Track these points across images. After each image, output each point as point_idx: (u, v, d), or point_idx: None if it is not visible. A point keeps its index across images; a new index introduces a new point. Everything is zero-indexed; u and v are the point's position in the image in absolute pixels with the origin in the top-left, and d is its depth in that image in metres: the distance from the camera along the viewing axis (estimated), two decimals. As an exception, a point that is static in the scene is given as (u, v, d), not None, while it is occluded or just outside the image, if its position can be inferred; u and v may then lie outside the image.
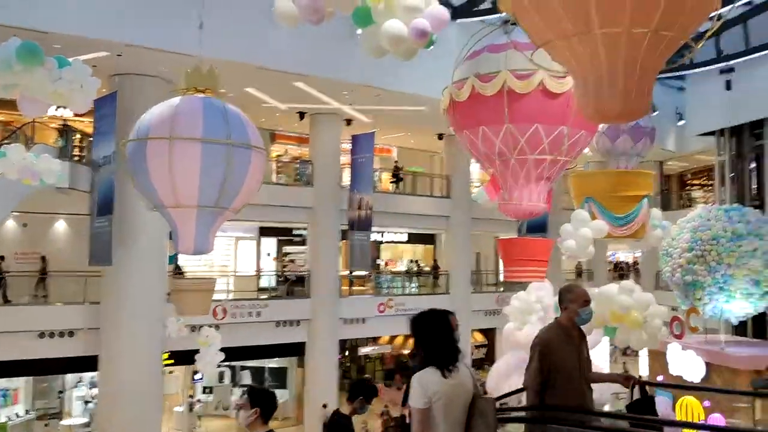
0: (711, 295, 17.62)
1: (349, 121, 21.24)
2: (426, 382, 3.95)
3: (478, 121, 10.74)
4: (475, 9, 18.62)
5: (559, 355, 4.86)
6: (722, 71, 20.74)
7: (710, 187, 29.36)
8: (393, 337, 25.74)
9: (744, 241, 17.22)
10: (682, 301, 18.33)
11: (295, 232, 23.91)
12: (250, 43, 15.41)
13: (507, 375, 13.43)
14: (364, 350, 24.61)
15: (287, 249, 24.69)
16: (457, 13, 18.86)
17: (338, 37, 16.82)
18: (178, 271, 18.35)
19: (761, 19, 19.20)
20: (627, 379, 5.24)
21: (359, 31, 17.04)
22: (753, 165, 21.88)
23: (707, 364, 17.42)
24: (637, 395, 4.98)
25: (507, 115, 10.28)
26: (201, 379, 20.61)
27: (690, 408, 18.20)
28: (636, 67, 6.33)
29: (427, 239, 28.08)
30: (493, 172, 11.17)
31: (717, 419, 16.99)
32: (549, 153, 10.73)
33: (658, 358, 20.90)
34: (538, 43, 7.19)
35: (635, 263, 35.18)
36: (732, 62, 20.32)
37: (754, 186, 21.33)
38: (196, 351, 14.01)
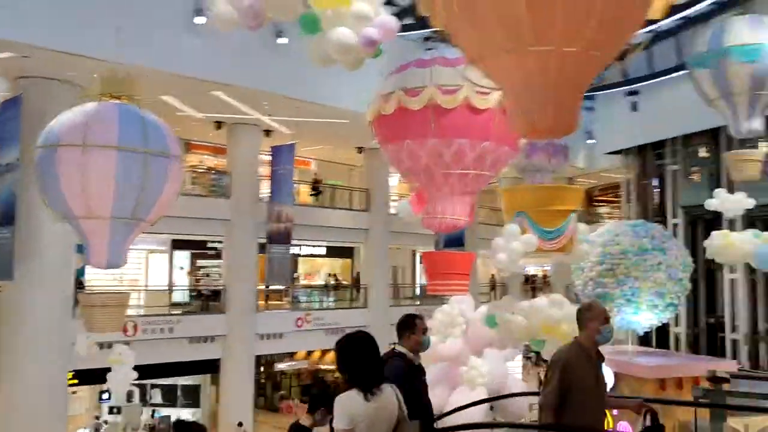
0: (619, 307, 18.34)
1: (268, 132, 20.90)
2: (347, 404, 3.95)
3: (404, 134, 10.76)
4: (400, 24, 18.74)
5: (578, 374, 4.77)
6: (628, 93, 21.79)
7: (616, 204, 30.74)
8: (310, 353, 25.40)
9: (649, 255, 18.05)
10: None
11: (209, 245, 23.23)
12: (167, 50, 14.92)
13: (432, 386, 13.44)
14: (280, 366, 24.13)
15: (201, 262, 23.96)
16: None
17: (259, 46, 16.57)
18: (80, 286, 17.38)
19: (664, 45, 20.34)
20: (640, 406, 5.21)
21: (282, 41, 16.75)
22: (655, 183, 23.08)
23: (616, 374, 18.11)
24: (648, 422, 4.92)
25: (432, 129, 10.35)
26: (108, 399, 19.60)
27: (600, 416, 18.81)
28: (566, 85, 6.50)
29: (345, 253, 27.97)
30: (418, 185, 11.19)
31: (624, 426, 17.70)
32: (473, 168, 10.87)
33: (569, 368, 21.59)
34: (470, 58, 7.27)
35: (545, 276, 36.29)
36: (637, 85, 21.38)
37: (657, 202, 22.44)
38: (106, 369, 13.26)
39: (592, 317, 4.88)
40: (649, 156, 22.96)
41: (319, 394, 6.28)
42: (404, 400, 4.57)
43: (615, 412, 17.79)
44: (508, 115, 6.87)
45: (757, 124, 11.18)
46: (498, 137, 10.93)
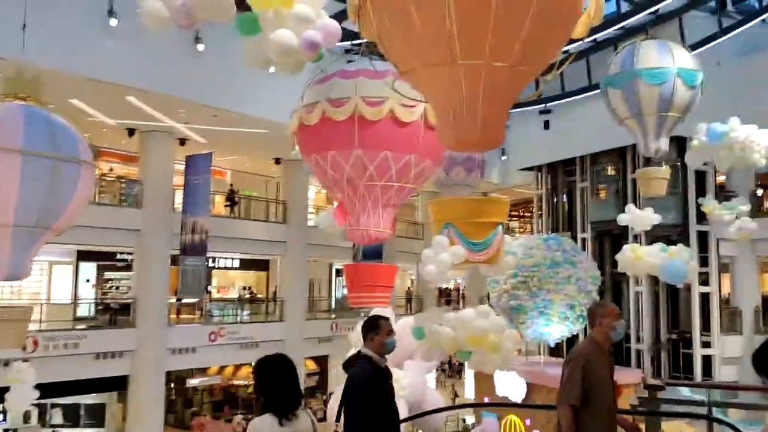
0: (532, 319, 18.86)
1: (182, 141, 20.29)
2: (260, 429, 3.90)
3: (328, 145, 10.67)
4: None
5: (595, 372, 4.72)
6: (541, 112, 22.55)
7: (526, 218, 31.74)
8: (223, 368, 24.71)
9: (561, 269, 18.68)
10: (507, 324, 19.45)
11: (119, 256, 22.26)
12: (79, 51, 14.26)
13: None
14: (193, 382, 23.33)
15: (109, 274, 22.91)
16: (299, 38, 18.85)
17: (178, 51, 16.14)
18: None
19: (576, 66, 21.20)
20: (635, 429, 5.19)
21: (201, 47, 16.30)
22: (565, 199, 23.93)
23: (528, 384, 18.57)
24: None
25: (357, 141, 10.32)
26: (4, 420, 18.35)
27: (514, 425, 19.29)
28: (494, 99, 6.61)
29: (260, 265, 27.45)
30: (341, 197, 11.12)
31: (538, 437, 18.16)
32: (396, 180, 10.92)
33: (484, 380, 21.94)
34: (401, 70, 7.30)
35: (457, 289, 36.79)
36: (550, 104, 22.16)
37: (566, 218, 23.25)
38: (4, 389, 12.41)
39: (606, 314, 4.88)
40: (559, 173, 23.80)
41: None
42: (372, 404, 4.47)
43: (528, 421, 18.35)
44: (436, 129, 6.94)
45: (663, 144, 11.78)
46: (422, 150, 11.04)
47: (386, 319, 4.94)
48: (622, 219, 12.05)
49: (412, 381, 13.27)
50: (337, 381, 28.52)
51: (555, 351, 21.34)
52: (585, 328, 20.32)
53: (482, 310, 6.45)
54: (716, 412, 17.02)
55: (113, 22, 14.60)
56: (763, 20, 18.32)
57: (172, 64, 16.15)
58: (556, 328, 19.07)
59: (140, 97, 16.40)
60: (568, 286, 18.64)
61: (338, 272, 31.93)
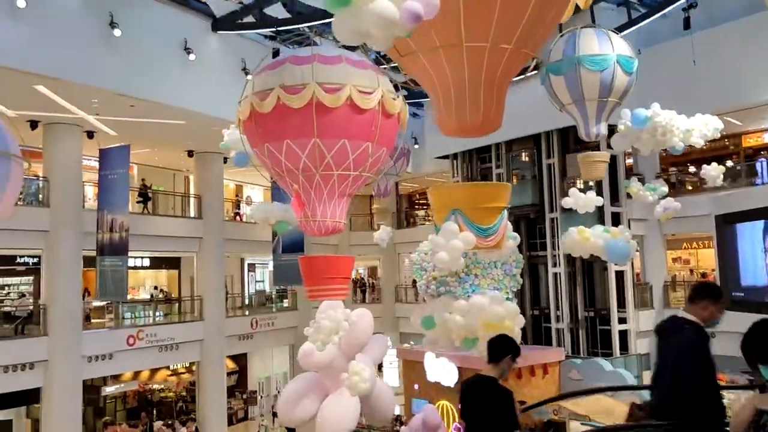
0: (461, 304, 19.20)
1: (90, 134, 18.94)
2: None
3: (283, 134, 10.24)
4: (238, 21, 18.03)
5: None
6: (457, 100, 22.79)
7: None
8: (137, 373, 23.47)
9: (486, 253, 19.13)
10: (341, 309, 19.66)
11: (20, 259, 20.53)
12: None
13: (299, 399, 12.97)
14: (108, 389, 21.97)
15: (8, 280, 21.11)
16: (217, 25, 18.12)
17: (92, 37, 15.06)
18: None
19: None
20: None
21: (118, 33, 15.17)
22: (481, 185, 24.41)
23: (459, 369, 18.85)
24: None
25: (315, 128, 9.97)
26: None
27: (446, 411, 19.56)
28: (494, 82, 6.58)
29: (171, 264, 26.28)
30: (295, 188, 10.71)
31: (470, 419, 18.50)
32: (354, 169, 10.66)
33: (411, 367, 22.14)
34: (401, 54, 7.12)
35: (361, 278, 36.45)
36: (467, 93, 22.43)
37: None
38: None
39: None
40: (474, 160, 24.24)
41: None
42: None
43: (460, 405, 18.66)
44: (436, 115, 6.81)
45: (603, 128, 12.23)
46: (378, 138, 10.85)
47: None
48: (567, 202, 12.39)
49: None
50: (258, 379, 27.89)
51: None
52: (522, 311, 20.96)
53: (496, 297, 6.39)
54: (629, 381, 17.96)
55: (21, 2, 13.38)
56: (664, 14, 19.41)
57: (85, 50, 15.04)
58: (484, 311, 19.53)
59: (49, 86, 15.12)
60: (494, 271, 19.05)
61: (251, 267, 31.14)
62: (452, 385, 18.88)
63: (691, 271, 23.93)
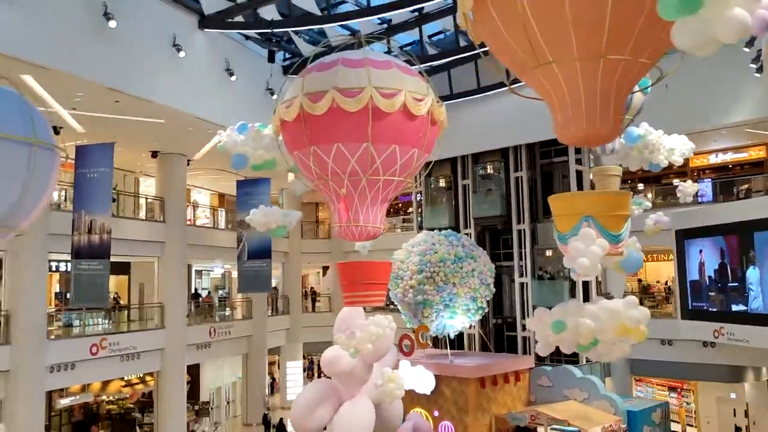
0: (438, 312, 19.40)
1: (56, 130, 17.80)
2: None
3: (335, 136, 10.13)
4: (227, 20, 17.58)
5: None
6: (427, 112, 23.11)
7: (406, 214, 32.32)
8: (87, 385, 22.16)
9: (464, 263, 19.44)
10: (409, 319, 19.78)
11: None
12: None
13: (315, 407, 12.75)
14: (63, 402, 20.61)
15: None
16: (205, 23, 17.62)
17: (83, 27, 14.31)
18: None
19: (464, 69, 22.14)
20: None
21: (113, 24, 14.54)
22: (445, 198, 24.82)
23: (436, 377, 19.00)
24: None
25: (370, 132, 9.93)
26: None
27: (422, 416, 19.62)
28: (613, 93, 6.85)
29: (121, 269, 25.02)
30: (344, 192, 10.58)
31: (447, 426, 18.71)
32: (399, 174, 10.68)
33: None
34: (517, 70, 7.27)
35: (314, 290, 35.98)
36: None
37: (451, 214, 24.14)
38: None
39: None
40: (442, 171, 24.59)
41: None
42: None
43: (436, 412, 18.81)
44: (555, 124, 7.00)
45: (618, 144, 12.81)
46: (425, 145, 10.92)
47: None
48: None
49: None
50: (209, 389, 26.98)
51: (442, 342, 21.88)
52: (482, 320, 21.38)
53: (630, 301, 6.60)
54: (599, 387, 18.80)
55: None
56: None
57: (77, 41, 14.23)
58: (460, 319, 19.82)
59: (36, 75, 14.17)
60: (471, 280, 19.45)
61: (198, 273, 30.17)
62: (428, 393, 18.98)
63: (640, 281, 25.19)
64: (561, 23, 6.27)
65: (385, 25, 19.27)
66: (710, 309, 19.41)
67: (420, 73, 11.04)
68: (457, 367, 18.85)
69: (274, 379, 31.92)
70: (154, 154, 21.72)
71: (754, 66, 17.96)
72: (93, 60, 14.55)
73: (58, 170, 9.17)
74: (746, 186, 21.88)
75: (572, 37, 6.36)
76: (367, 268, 11.59)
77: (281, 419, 25.29)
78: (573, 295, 21.16)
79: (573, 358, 21.17)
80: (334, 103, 9.94)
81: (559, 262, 21.67)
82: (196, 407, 25.13)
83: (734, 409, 22.25)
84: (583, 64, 6.61)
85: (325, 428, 13.23)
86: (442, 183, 24.95)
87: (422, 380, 19.44)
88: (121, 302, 24.22)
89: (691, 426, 23.14)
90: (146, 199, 22.45)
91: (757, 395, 21.59)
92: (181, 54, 16.47)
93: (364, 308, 12.45)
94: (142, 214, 23.11)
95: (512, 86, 8.60)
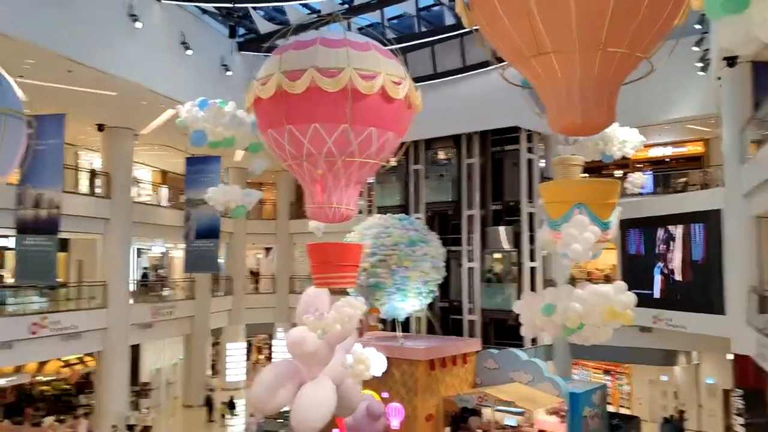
0: (389, 296, 19.55)
1: (-2, 97, 16.93)
2: None
3: (313, 117, 10.01)
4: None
5: None
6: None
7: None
8: (18, 367, 21.27)
9: (417, 247, 19.63)
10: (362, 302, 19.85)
11: None
12: None
13: (277, 387, 12.67)
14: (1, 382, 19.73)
15: None
16: (162, -6, 17.07)
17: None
18: None
19: (421, 54, 22.22)
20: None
21: None
22: (395, 180, 24.88)
23: (387, 359, 19.18)
24: None
25: (349, 114, 9.86)
26: None
27: (374, 397, 19.81)
28: (608, 83, 7.06)
29: (60, 245, 24.04)
30: (320, 173, 10.47)
31: (396, 407, 18.94)
32: (375, 157, 10.66)
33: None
34: (513, 59, 7.37)
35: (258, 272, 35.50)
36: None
37: (402, 198, 24.26)
38: None
39: None
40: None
41: None
42: None
43: (385, 394, 19.01)
44: (549, 113, 7.15)
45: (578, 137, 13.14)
46: (401, 128, 10.93)
47: None
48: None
49: (336, 362, 13.10)
50: (149, 370, 26.32)
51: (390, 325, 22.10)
52: (432, 303, 21.62)
53: (619, 285, 6.83)
54: (543, 369, 19.40)
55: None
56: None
57: (29, 6, 13.52)
58: (411, 303, 20.03)
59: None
60: (423, 263, 19.67)
61: (138, 252, 29.32)
62: (379, 375, 19.15)
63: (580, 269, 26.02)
64: (564, 14, 6.39)
65: (347, 6, 19.09)
66: (650, 296, 20.25)
67: (394, 53, 11.02)
68: (407, 349, 19.09)
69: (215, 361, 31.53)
70: (101, 128, 20.90)
71: (699, 65, 18.78)
72: (46, 26, 13.88)
73: (25, 136, 8.87)
74: (684, 180, 22.89)
75: (573, 28, 6.51)
76: (339, 250, 11.57)
77: (231, 397, 25.08)
78: (520, 281, 21.75)
79: (518, 342, 21.77)
80: (312, 82, 9.81)
81: (507, 263, 22.24)
82: (136, 388, 24.51)
83: (664, 391, 23.45)
84: (581, 56, 6.77)
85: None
86: (392, 162, 24.97)
87: (374, 363, 19.61)
88: (60, 280, 23.32)
89: (624, 407, 24.22)
90: (90, 173, 21.58)
91: (687, 378, 22.77)
92: (138, 24, 15.89)
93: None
94: (83, 189, 22.29)
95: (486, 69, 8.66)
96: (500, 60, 8.13)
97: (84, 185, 22.48)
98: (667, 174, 23.42)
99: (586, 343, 6.83)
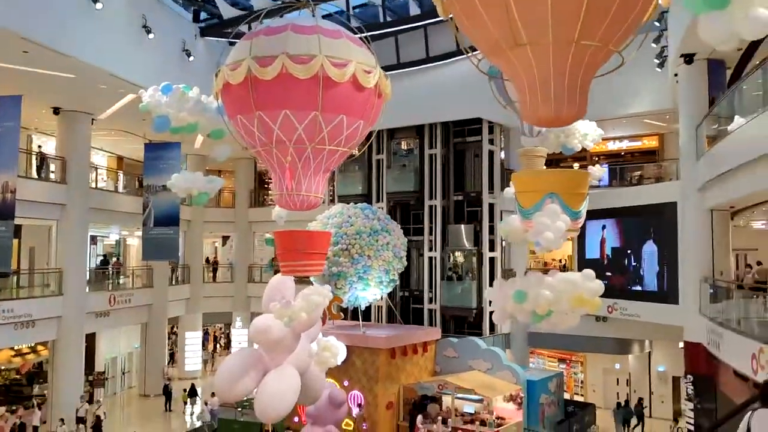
0: (351, 284, 19.59)
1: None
2: None
3: (283, 103, 9.94)
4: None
5: None
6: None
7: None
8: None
9: (379, 236, 19.70)
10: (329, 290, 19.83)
11: None
12: None
13: (240, 375, 12.57)
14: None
15: None
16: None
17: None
18: None
19: (385, 43, 22.20)
20: None
21: None
22: (358, 169, 24.88)
23: (348, 347, 19.26)
24: None
25: (320, 102, 9.83)
26: None
27: (336, 386, 19.88)
28: (581, 75, 7.22)
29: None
30: (289, 160, 10.42)
31: (356, 395, 19.05)
32: (344, 145, 10.66)
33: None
34: (487, 50, 7.46)
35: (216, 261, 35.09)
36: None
37: (365, 188, 24.30)
38: None
39: None
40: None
41: None
42: None
43: (346, 382, 19.09)
44: (522, 105, 7.27)
45: (543, 129, 13.34)
46: (371, 117, 10.93)
47: None
48: (509, 192, 13.32)
49: (300, 350, 13.09)
50: (104, 359, 25.84)
51: (352, 314, 22.17)
52: (392, 292, 21.74)
53: (588, 273, 7.00)
54: (502, 358, 19.70)
55: None
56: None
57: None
58: (372, 291, 20.12)
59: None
60: (386, 253, 19.77)
61: (93, 239, 28.69)
62: (339, 363, 19.21)
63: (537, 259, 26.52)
64: (541, 7, 6.50)
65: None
66: (606, 285, 20.75)
67: (364, 40, 11.01)
68: (368, 337, 19.19)
69: (172, 350, 31.12)
70: (56, 111, 20.35)
71: (657, 61, 19.25)
72: (1, 4, 13.43)
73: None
74: (639, 173, 23.48)
75: (549, 21, 6.63)
76: (306, 237, 11.54)
77: (193, 384, 24.81)
78: (480, 277, 22.04)
79: (477, 331, 22.11)
80: (284, 68, 9.75)
81: (468, 260, 22.51)
82: (91, 377, 24.06)
83: (617, 379, 24.11)
84: (555, 48, 6.90)
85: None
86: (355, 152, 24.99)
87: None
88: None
89: (578, 395, 24.83)
90: (45, 158, 20.96)
91: (639, 366, 23.46)
92: (98, 5, 15.49)
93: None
94: (35, 174, 21.68)
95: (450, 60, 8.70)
96: (471, 49, 8.23)
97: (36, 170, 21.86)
98: (623, 167, 23.97)
99: (555, 329, 6.98)
